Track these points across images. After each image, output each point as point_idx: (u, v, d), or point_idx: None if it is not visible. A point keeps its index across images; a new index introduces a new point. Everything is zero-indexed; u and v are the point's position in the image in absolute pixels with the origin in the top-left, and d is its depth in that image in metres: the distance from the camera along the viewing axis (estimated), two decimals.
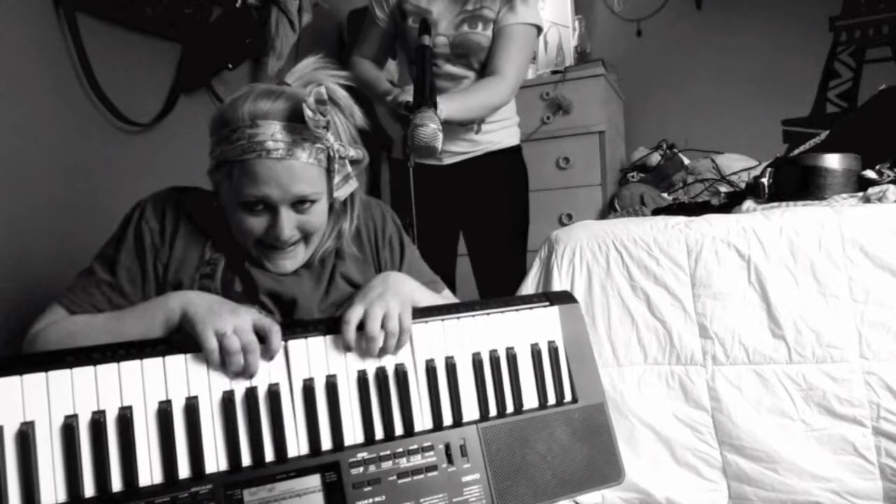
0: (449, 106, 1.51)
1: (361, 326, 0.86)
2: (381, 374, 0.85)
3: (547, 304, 0.99)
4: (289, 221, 0.94)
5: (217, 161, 0.95)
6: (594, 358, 1.00)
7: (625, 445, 1.43)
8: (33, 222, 1.32)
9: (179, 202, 1.01)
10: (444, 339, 0.91)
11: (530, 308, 0.97)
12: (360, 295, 0.92)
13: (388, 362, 0.86)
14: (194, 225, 0.99)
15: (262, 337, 0.80)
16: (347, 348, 0.86)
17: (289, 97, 0.93)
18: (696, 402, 1.42)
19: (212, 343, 0.77)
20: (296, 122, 0.91)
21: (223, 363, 0.78)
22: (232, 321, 0.79)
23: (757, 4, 3.14)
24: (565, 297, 1.02)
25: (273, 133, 0.90)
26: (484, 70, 1.74)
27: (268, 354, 0.80)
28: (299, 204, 0.94)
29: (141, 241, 0.97)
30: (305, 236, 0.98)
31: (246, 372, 0.79)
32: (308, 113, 0.87)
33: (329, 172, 0.95)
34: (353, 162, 0.97)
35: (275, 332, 0.80)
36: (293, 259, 0.99)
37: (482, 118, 1.74)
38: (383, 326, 0.86)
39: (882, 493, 1.28)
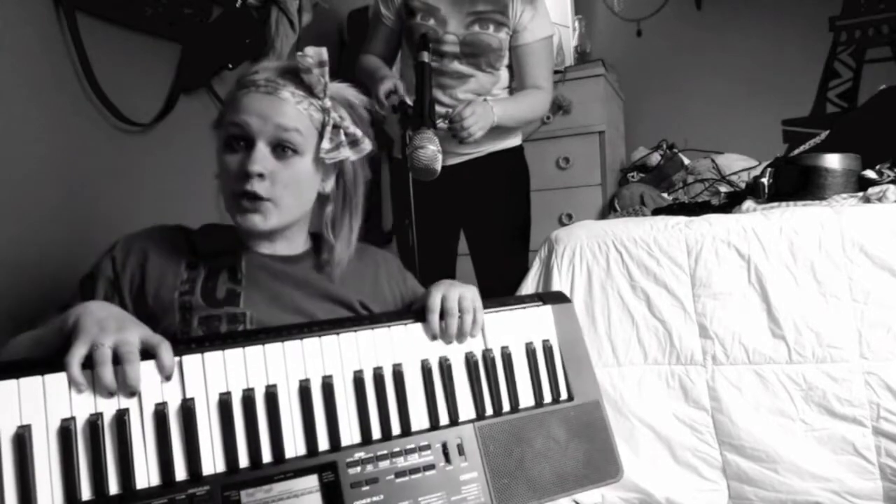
0: (500, 111, 1.62)
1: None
2: (377, 375, 0.85)
3: (540, 303, 1.00)
4: (263, 157, 0.92)
5: (218, 119, 0.98)
6: (589, 356, 1.00)
7: (625, 445, 1.43)
8: (33, 222, 1.32)
9: (154, 233, 1.01)
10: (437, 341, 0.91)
11: (524, 307, 0.98)
12: (432, 287, 0.95)
13: (387, 363, 0.86)
14: (170, 251, 0.98)
15: (154, 353, 0.75)
16: (433, 336, 0.90)
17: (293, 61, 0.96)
18: (696, 402, 1.42)
19: (75, 355, 0.71)
20: (294, 73, 0.94)
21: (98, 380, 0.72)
22: (114, 335, 0.74)
23: (757, 4, 3.14)
24: (559, 297, 1.02)
25: (268, 75, 0.94)
26: (487, 70, 1.75)
27: (162, 372, 0.75)
28: (280, 147, 0.93)
29: (98, 272, 0.96)
30: (273, 196, 0.94)
31: (122, 386, 0.72)
32: (308, 61, 0.91)
33: (321, 132, 0.96)
34: (353, 143, 0.98)
35: (164, 347, 0.75)
36: (263, 216, 0.94)
37: (526, 123, 1.82)
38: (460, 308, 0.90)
39: (882, 493, 1.28)
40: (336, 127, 0.96)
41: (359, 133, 0.99)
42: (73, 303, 0.92)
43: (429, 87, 1.41)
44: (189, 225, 1.09)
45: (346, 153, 0.98)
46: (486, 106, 1.62)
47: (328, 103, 0.96)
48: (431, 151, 1.35)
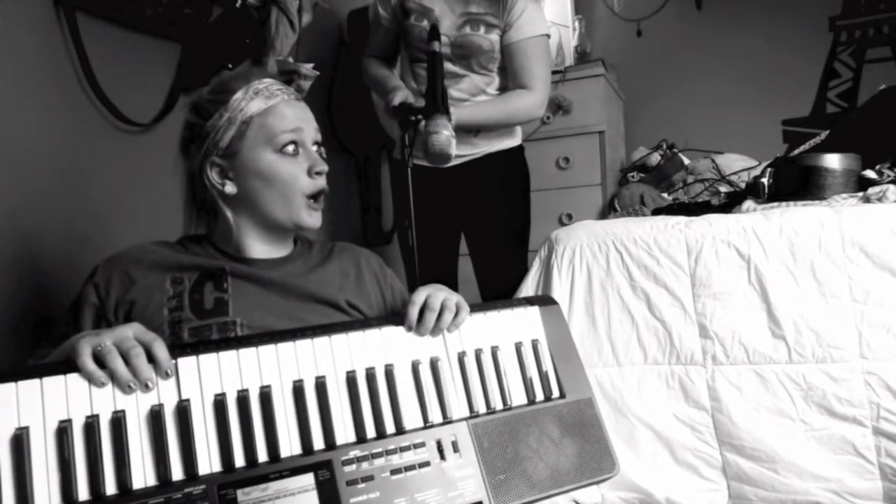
0: (463, 113, 1.59)
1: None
2: (369, 375, 0.86)
3: (528, 305, 1.02)
4: (318, 157, 1.03)
5: (240, 124, 0.99)
6: (579, 355, 1.01)
7: (625, 445, 1.43)
8: (32, 222, 1.32)
9: (134, 253, 1.01)
10: (429, 341, 0.92)
11: (511, 309, 1.00)
12: (420, 288, 0.97)
13: (379, 364, 0.87)
14: (153, 270, 0.99)
15: (149, 353, 0.76)
16: (409, 327, 0.91)
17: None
18: (696, 402, 1.42)
19: (85, 358, 0.72)
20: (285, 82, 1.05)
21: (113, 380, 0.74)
22: (110, 335, 0.76)
23: (757, 4, 3.13)
24: (546, 300, 1.05)
25: (278, 83, 1.03)
26: (480, 72, 1.77)
27: (160, 369, 0.76)
28: (318, 146, 1.04)
29: (83, 300, 0.97)
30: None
31: (137, 379, 0.74)
32: (308, 72, 0.99)
33: None
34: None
35: (157, 343, 0.76)
36: (320, 213, 1.05)
37: (505, 125, 1.80)
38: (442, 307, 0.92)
39: (882, 493, 1.28)
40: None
41: None
42: (65, 330, 0.93)
43: (440, 74, 1.43)
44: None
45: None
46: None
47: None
48: (445, 136, 1.38)
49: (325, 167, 1.02)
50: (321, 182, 1.02)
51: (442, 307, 0.92)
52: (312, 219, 1.03)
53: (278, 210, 1.01)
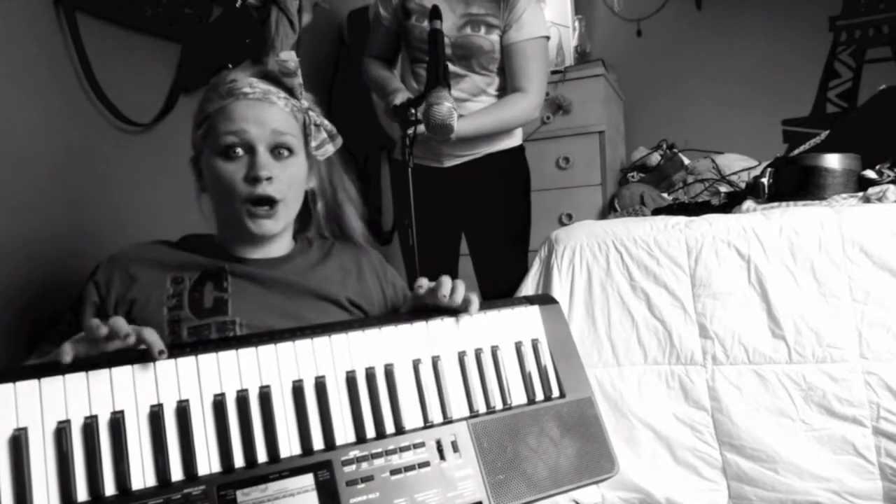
0: (462, 126, 1.57)
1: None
2: (369, 374, 0.86)
3: (528, 304, 1.01)
4: (267, 161, 0.95)
5: (196, 124, 0.98)
6: (579, 355, 1.01)
7: (625, 445, 1.43)
8: (32, 222, 1.32)
9: (135, 252, 1.01)
10: (429, 340, 0.92)
11: (512, 308, 0.99)
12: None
13: (378, 363, 0.87)
14: (154, 268, 0.98)
15: (140, 338, 0.76)
16: (416, 296, 0.91)
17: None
18: (696, 402, 1.42)
19: (92, 321, 0.73)
20: (271, 77, 0.99)
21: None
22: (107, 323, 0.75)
23: (757, 4, 3.13)
24: (546, 299, 1.04)
25: (250, 82, 0.97)
26: (481, 72, 1.77)
27: (153, 349, 0.75)
28: (277, 150, 0.96)
29: (84, 298, 0.97)
30: (283, 198, 0.97)
31: (113, 329, 0.74)
32: (291, 65, 0.95)
33: (305, 131, 1.00)
34: (332, 136, 1.03)
35: (147, 330, 0.76)
36: (275, 220, 0.97)
37: (505, 131, 1.79)
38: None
39: (882, 493, 1.28)
40: (316, 125, 1.01)
41: (334, 127, 1.04)
42: (66, 329, 0.93)
43: (442, 50, 1.44)
44: (188, 226, 1.09)
45: (331, 148, 1.03)
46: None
47: (305, 104, 1.00)
48: (447, 108, 1.39)
49: (263, 172, 0.93)
50: (260, 189, 0.94)
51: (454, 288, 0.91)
52: (257, 227, 0.96)
53: (226, 215, 0.99)
